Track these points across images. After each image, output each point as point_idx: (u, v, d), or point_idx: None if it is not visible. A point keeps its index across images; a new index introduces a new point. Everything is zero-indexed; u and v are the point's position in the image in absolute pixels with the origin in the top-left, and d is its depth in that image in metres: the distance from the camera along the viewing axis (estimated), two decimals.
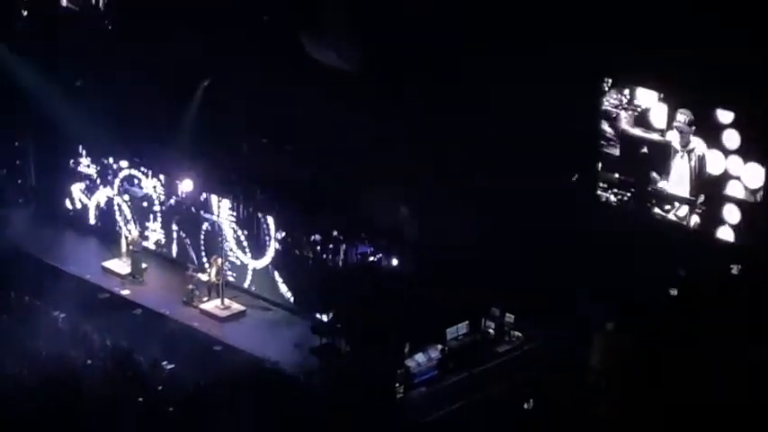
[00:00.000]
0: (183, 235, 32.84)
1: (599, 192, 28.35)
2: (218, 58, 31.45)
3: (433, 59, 28.57)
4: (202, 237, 32.44)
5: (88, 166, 34.53)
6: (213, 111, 31.96)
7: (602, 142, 28.16)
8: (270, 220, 31.23)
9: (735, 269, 26.76)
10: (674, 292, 27.09)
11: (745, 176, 26.20)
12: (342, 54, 29.48)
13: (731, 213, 26.57)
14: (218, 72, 31.74)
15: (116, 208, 34.03)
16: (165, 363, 28.33)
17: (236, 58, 31.03)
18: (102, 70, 33.32)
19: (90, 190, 34.68)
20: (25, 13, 34.60)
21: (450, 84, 28.61)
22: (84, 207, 34.88)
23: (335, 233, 30.07)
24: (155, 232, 33.46)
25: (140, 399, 26.55)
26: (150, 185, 33.27)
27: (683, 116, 27.04)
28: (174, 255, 33.14)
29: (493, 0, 28.06)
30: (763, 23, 25.33)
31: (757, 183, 26.00)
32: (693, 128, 26.92)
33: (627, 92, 27.59)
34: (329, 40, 29.43)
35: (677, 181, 27.40)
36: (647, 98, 27.36)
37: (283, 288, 31.27)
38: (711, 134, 26.55)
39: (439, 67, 28.64)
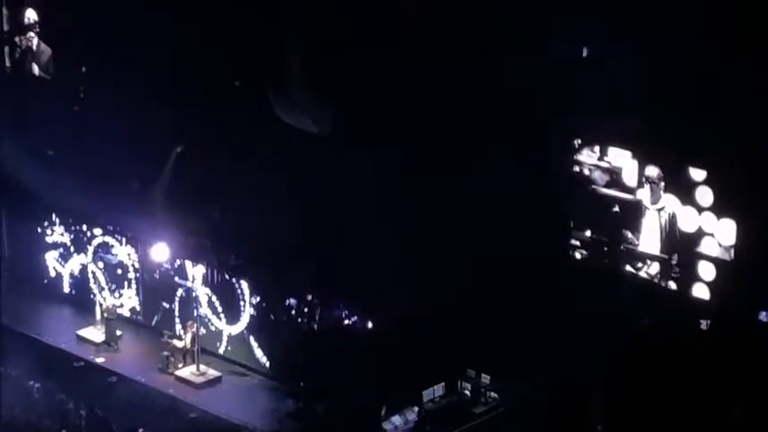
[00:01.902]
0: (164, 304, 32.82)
1: (571, 252, 28.21)
2: (190, 125, 31.46)
3: (402, 125, 28.66)
4: (176, 303, 32.33)
5: (62, 234, 34.46)
6: (186, 177, 31.88)
7: (574, 202, 28.11)
8: (244, 284, 31.19)
9: (704, 324, 26.79)
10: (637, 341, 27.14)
11: (718, 233, 26.13)
12: (311, 118, 29.38)
13: (705, 270, 26.45)
14: (190, 139, 31.71)
15: (90, 275, 33.90)
16: (140, 430, 28.44)
17: (208, 124, 31.11)
18: (74, 139, 33.34)
19: (64, 258, 34.57)
20: None
21: (417, 146, 28.69)
22: (59, 275, 34.76)
23: (310, 297, 30.02)
24: (129, 299, 33.33)
25: None
26: (124, 252, 33.23)
27: (653, 173, 26.96)
28: (153, 323, 33.04)
29: (461, 65, 28.06)
30: (731, 83, 25.40)
31: (730, 240, 25.95)
32: (663, 185, 26.84)
33: (597, 150, 27.48)
34: (299, 105, 29.35)
35: (648, 239, 27.28)
36: (619, 158, 27.28)
37: (259, 353, 31.10)
38: (683, 191, 26.51)
39: (408, 132, 28.70)
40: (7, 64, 34.60)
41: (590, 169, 27.67)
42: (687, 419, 26.16)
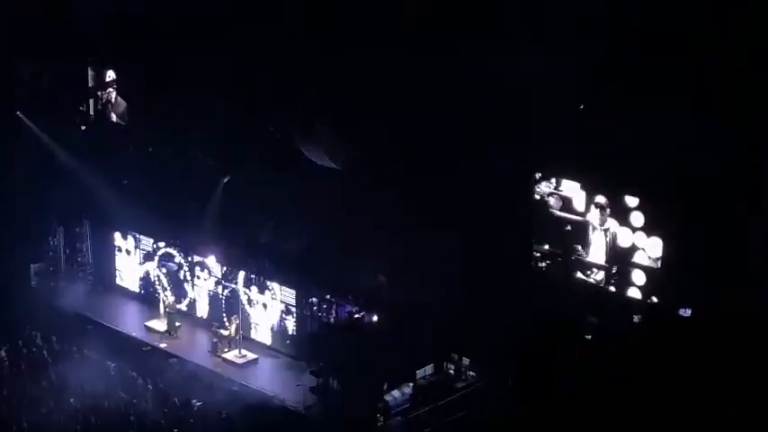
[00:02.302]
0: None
1: (533, 262, 28.25)
2: (234, 161, 31.41)
3: (400, 162, 28.77)
4: (224, 300, 32.22)
5: (134, 245, 34.33)
6: (232, 201, 31.75)
7: (536, 222, 28.06)
8: (276, 286, 31.16)
9: (636, 319, 26.83)
10: (588, 337, 27.07)
11: (648, 248, 26.41)
12: (330, 156, 29.50)
13: (638, 277, 26.70)
14: (235, 171, 31.63)
15: (155, 278, 33.74)
16: (194, 400, 28.35)
17: (249, 160, 31.07)
18: (144, 172, 33.18)
19: (135, 264, 34.36)
20: (83, 128, 34.55)
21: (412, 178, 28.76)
22: (131, 278, 34.55)
23: (328, 296, 30.02)
24: (186, 297, 33.22)
25: (175, 430, 26.86)
26: (183, 260, 33.15)
27: (601, 201, 27.03)
28: (206, 315, 32.85)
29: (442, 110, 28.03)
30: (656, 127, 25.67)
31: (657, 253, 26.25)
32: (609, 210, 26.94)
33: (554, 181, 27.56)
34: (321, 146, 29.44)
35: (595, 252, 27.38)
36: (570, 188, 27.40)
37: (288, 340, 31.10)
38: (621, 215, 26.72)
39: (405, 168, 28.79)
40: (91, 113, 34.51)
41: (547, 196, 27.71)
42: (626, 394, 25.32)
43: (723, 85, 25.05)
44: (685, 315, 26.24)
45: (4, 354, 29.98)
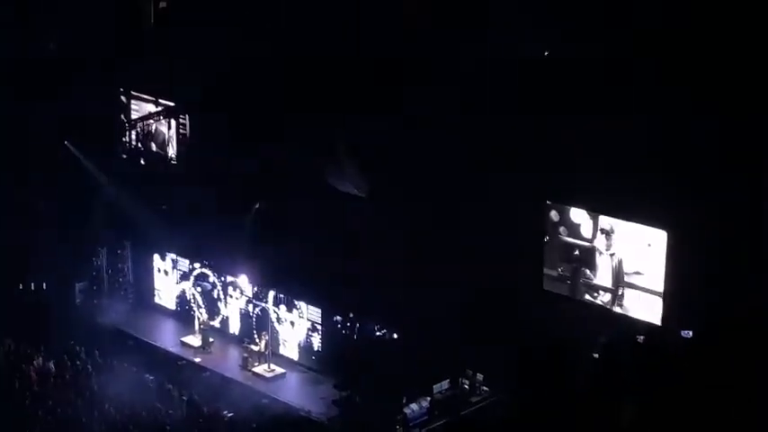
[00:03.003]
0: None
1: (543, 284, 28.54)
2: (264, 189, 31.80)
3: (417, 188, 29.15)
4: (254, 318, 32.47)
5: (171, 265, 34.64)
6: (262, 226, 32.02)
7: (546, 247, 28.30)
8: (303, 305, 31.45)
9: (639, 338, 27.19)
10: (595, 354, 27.41)
11: (652, 271, 26.45)
12: (354, 185, 30.03)
13: (642, 299, 26.81)
14: (266, 198, 31.92)
15: (191, 297, 33.98)
16: (225, 412, 28.65)
17: (278, 188, 31.42)
18: (181, 197, 33.45)
19: (172, 283, 34.65)
20: (125, 156, 35.15)
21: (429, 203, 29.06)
22: (168, 296, 34.81)
23: (351, 315, 30.20)
24: (219, 315, 33.45)
25: None
26: (216, 281, 33.42)
27: (606, 227, 27.26)
28: (237, 331, 33.06)
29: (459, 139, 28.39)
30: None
31: (661, 276, 26.33)
32: (614, 236, 27.12)
33: (562, 211, 27.86)
34: (345, 175, 30.01)
35: (602, 275, 27.57)
36: (578, 216, 27.77)
37: (314, 356, 31.29)
38: (626, 240, 26.83)
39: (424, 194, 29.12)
40: (133, 142, 35.05)
41: (557, 224, 28.02)
42: (631, 413, 26.17)
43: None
44: (687, 336, 26.43)
45: (52, 366, 30.49)
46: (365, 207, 29.91)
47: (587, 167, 26.98)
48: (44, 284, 34.82)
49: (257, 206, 32.15)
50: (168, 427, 27.71)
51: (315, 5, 30.47)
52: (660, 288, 26.63)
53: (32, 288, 34.74)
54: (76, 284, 35.15)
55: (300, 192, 30.81)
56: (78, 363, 30.87)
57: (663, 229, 26.34)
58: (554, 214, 28.13)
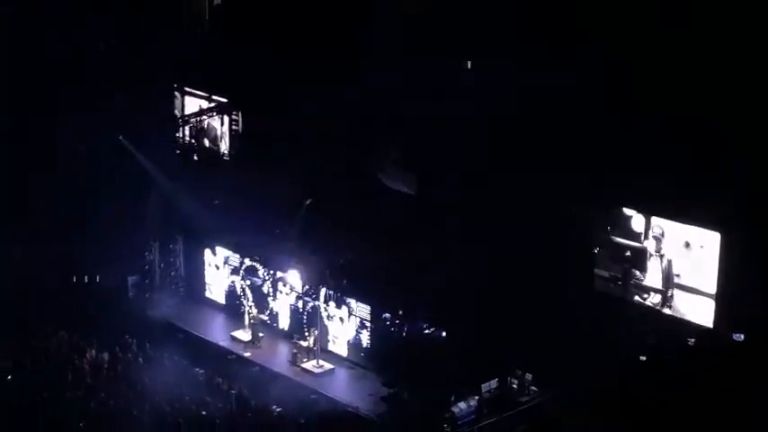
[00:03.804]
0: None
1: (594, 285, 28.53)
2: (316, 186, 31.93)
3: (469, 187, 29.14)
4: (304, 314, 32.39)
5: (223, 261, 34.64)
6: (313, 222, 32.16)
7: (596, 250, 28.36)
8: (352, 302, 31.38)
9: (690, 341, 27.01)
10: (643, 357, 27.19)
11: (703, 273, 26.48)
12: (404, 182, 30.11)
13: (693, 301, 26.76)
14: (317, 194, 32.10)
15: (241, 292, 33.93)
16: (274, 406, 28.57)
17: (330, 185, 31.62)
18: (232, 192, 33.56)
19: (222, 277, 34.67)
20: (178, 152, 35.28)
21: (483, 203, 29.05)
22: (218, 290, 34.87)
23: (400, 312, 30.11)
24: (269, 310, 33.40)
25: None
26: (267, 276, 33.34)
27: (657, 229, 27.29)
28: (287, 327, 33.04)
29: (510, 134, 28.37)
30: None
31: (713, 278, 26.29)
32: (664, 238, 27.16)
33: (614, 212, 27.78)
34: (395, 173, 30.17)
35: (652, 276, 27.57)
36: (630, 217, 27.60)
37: (363, 352, 31.22)
38: (677, 243, 26.93)
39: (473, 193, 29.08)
40: (186, 138, 35.39)
41: (608, 224, 27.90)
42: (680, 415, 25.77)
43: None
44: (739, 340, 26.27)
45: (104, 358, 30.60)
46: (415, 205, 29.90)
47: (640, 168, 26.80)
48: (97, 278, 35.03)
49: (308, 202, 32.24)
50: (217, 421, 27.70)
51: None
52: (712, 290, 26.51)
53: (86, 281, 34.93)
54: (129, 278, 35.35)
55: (351, 188, 30.91)
56: (130, 355, 31.03)
57: (716, 230, 26.21)
58: (606, 215, 28.05)
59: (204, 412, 27.94)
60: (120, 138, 34.23)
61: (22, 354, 30.66)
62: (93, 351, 30.86)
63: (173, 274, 35.76)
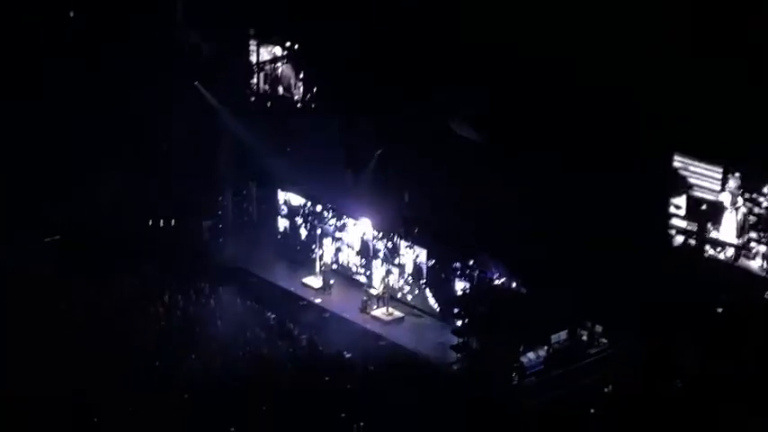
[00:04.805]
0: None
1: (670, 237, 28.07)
2: (389, 135, 31.62)
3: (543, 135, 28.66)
4: (374, 262, 32.23)
5: (295, 206, 34.40)
6: (384, 171, 32.09)
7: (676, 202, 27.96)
8: (423, 251, 31.22)
9: (767, 295, 26.50)
10: (719, 310, 26.79)
11: None
12: (475, 129, 29.74)
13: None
14: (388, 144, 31.88)
15: (312, 238, 33.73)
16: (345, 352, 28.64)
17: (402, 135, 31.31)
18: (306, 139, 33.40)
19: (295, 224, 34.48)
20: (252, 99, 35.20)
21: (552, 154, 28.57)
22: (291, 237, 34.70)
23: (471, 262, 29.92)
24: (340, 258, 33.33)
25: (326, 378, 27.19)
26: (338, 223, 33.28)
27: (733, 182, 26.87)
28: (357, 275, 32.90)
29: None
30: None
31: None
32: (741, 191, 26.78)
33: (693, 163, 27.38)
34: (466, 122, 29.78)
35: (727, 230, 27.16)
36: (705, 169, 27.19)
37: (432, 301, 31.20)
38: (753, 195, 26.52)
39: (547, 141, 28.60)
40: (261, 85, 35.17)
41: (684, 177, 27.55)
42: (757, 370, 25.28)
43: None
44: None
45: (179, 301, 30.70)
46: (487, 153, 29.55)
47: (718, 120, 26.24)
48: (172, 222, 35.14)
49: (379, 152, 32.09)
50: (289, 366, 27.80)
51: None
52: None
53: (161, 225, 35.07)
54: (203, 223, 35.44)
55: (421, 137, 30.58)
56: (203, 299, 31.15)
57: None
58: (683, 168, 27.58)
59: (275, 357, 28.05)
60: (196, 83, 34.27)
61: (98, 295, 31.02)
62: (168, 295, 31.02)
63: (245, 219, 35.80)
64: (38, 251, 33.27)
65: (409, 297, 31.75)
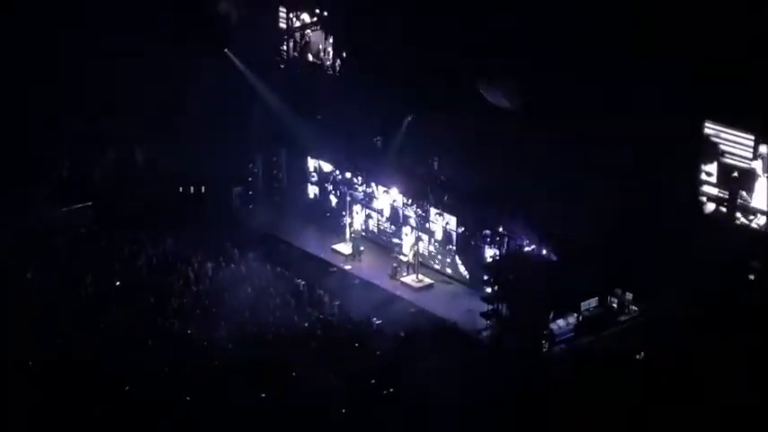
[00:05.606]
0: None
1: (701, 204, 27.76)
2: (419, 102, 31.29)
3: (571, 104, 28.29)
4: (405, 229, 32.20)
5: (325, 173, 34.49)
6: (414, 137, 31.90)
7: (707, 169, 27.62)
8: (453, 219, 31.16)
9: None
10: (751, 277, 26.47)
11: None
12: (508, 98, 29.45)
13: None
14: (418, 111, 31.63)
15: (342, 205, 33.71)
16: (374, 319, 28.62)
17: (432, 100, 30.88)
18: (335, 108, 33.38)
19: (325, 191, 34.67)
20: (282, 66, 35.14)
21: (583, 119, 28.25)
22: (320, 204, 34.79)
23: (501, 229, 29.76)
24: (369, 224, 33.37)
25: (356, 344, 27.22)
26: (368, 190, 33.33)
27: (765, 150, 26.48)
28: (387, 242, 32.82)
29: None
30: None
31: None
32: None
33: (723, 132, 26.99)
34: (500, 90, 29.47)
35: (759, 198, 26.86)
36: (738, 137, 26.81)
37: (462, 268, 31.16)
38: None
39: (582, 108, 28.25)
40: (291, 52, 35.09)
41: (716, 145, 27.15)
42: None
43: None
44: None
45: (209, 267, 30.65)
46: (516, 121, 29.18)
47: (751, 88, 25.80)
48: (203, 188, 35.16)
49: (409, 119, 31.90)
50: (319, 332, 27.77)
51: None
52: None
53: (192, 191, 35.11)
54: (233, 189, 35.51)
55: (452, 105, 30.22)
56: (233, 265, 31.14)
57: None
58: (714, 135, 27.20)
59: (306, 323, 28.04)
60: (226, 51, 34.16)
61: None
62: (198, 260, 31.03)
63: (275, 186, 35.85)
64: (74, 215, 33.68)
65: (439, 264, 31.65)
